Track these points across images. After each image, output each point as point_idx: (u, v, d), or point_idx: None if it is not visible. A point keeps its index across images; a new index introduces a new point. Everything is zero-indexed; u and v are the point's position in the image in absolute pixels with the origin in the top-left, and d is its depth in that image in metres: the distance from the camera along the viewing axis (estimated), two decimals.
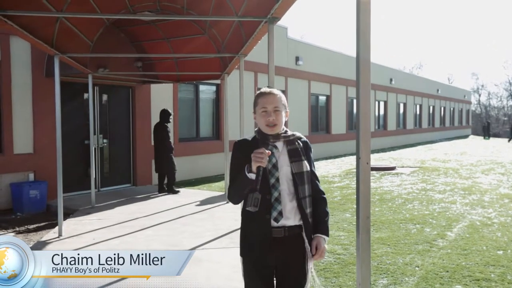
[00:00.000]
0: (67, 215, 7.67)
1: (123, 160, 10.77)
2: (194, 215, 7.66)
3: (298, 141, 2.46)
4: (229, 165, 2.46)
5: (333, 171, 13.75)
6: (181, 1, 6.82)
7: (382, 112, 26.24)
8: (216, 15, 6.85)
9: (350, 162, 16.89)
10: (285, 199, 2.32)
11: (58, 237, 6.12)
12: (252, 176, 2.22)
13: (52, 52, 5.91)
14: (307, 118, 18.18)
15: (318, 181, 2.50)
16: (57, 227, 6.39)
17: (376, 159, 17.85)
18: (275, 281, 2.44)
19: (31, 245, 5.94)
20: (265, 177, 2.29)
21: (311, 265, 2.41)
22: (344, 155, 20.09)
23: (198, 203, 8.75)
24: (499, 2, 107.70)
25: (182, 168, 12.04)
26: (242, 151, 2.36)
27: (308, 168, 2.41)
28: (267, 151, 2.23)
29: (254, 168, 2.21)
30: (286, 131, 2.45)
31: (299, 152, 2.41)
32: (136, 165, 10.89)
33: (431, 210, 7.66)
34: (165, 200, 9.04)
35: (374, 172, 12.96)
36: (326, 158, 18.43)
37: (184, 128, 12.35)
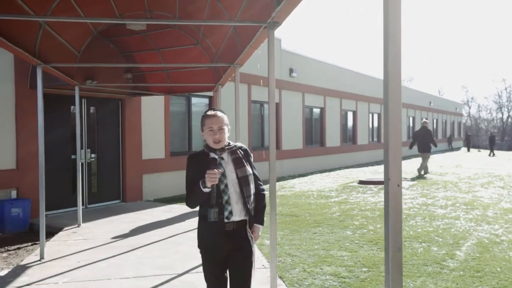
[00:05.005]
0: (51, 235, 7.24)
1: (112, 176, 10.33)
2: (187, 234, 7.23)
3: (239, 150, 3.00)
4: (186, 177, 2.96)
5: (329, 185, 13.39)
6: (173, 11, 6.50)
7: (376, 124, 26.06)
8: (211, 25, 6.56)
9: (345, 175, 16.56)
10: (233, 200, 2.87)
11: (39, 260, 5.66)
12: (206, 190, 2.77)
13: (34, 61, 5.52)
14: (301, 131, 17.87)
15: (260, 181, 3.08)
16: (39, 249, 5.93)
17: (372, 172, 17.55)
18: (228, 266, 2.99)
19: (10, 269, 5.48)
20: (216, 185, 2.80)
21: (254, 247, 3.03)
22: (339, 168, 19.78)
23: (190, 220, 8.32)
24: (487, 16, 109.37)
25: (174, 183, 11.64)
26: (194, 164, 2.94)
27: (251, 172, 2.97)
28: (217, 170, 2.75)
29: (208, 185, 2.74)
30: (229, 143, 2.99)
31: (241, 159, 2.96)
32: (125, 180, 10.45)
33: (435, 227, 7.32)
34: (156, 217, 8.61)
35: (372, 186, 12.62)
36: (321, 172, 18.08)
37: (175, 141, 11.96)
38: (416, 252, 5.83)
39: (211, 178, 2.72)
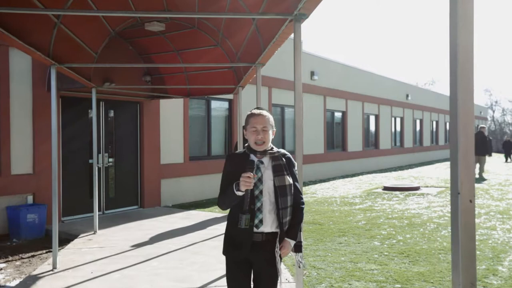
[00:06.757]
0: (67, 241, 7.02)
1: (130, 181, 10.11)
2: (206, 242, 6.92)
3: (283, 158, 2.78)
4: (221, 176, 2.77)
5: (352, 191, 12.93)
6: (192, 10, 6.22)
7: (398, 128, 25.39)
8: (231, 24, 6.25)
9: (368, 181, 16.04)
10: (266, 209, 2.67)
11: (52, 270, 5.41)
12: (239, 193, 2.60)
13: (48, 61, 5.29)
14: (322, 135, 17.43)
15: (301, 194, 2.83)
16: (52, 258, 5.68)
17: (396, 178, 16.99)
18: (252, 275, 2.80)
19: (21, 279, 5.24)
20: (251, 190, 2.64)
21: (280, 265, 2.76)
22: (361, 173, 19.24)
23: (210, 227, 8.01)
24: (510, 19, 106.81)
25: (193, 189, 11.37)
26: (233, 164, 2.74)
27: (291, 182, 2.73)
28: (253, 174, 2.58)
29: (242, 189, 2.57)
30: (272, 148, 2.79)
31: (282, 167, 2.73)
32: (143, 185, 10.21)
33: None
34: (174, 224, 8.32)
35: (397, 192, 12.12)
36: (343, 177, 17.59)
37: (195, 146, 11.69)
38: None
39: (245, 183, 2.55)
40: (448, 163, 26.92)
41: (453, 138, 1.39)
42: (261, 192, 2.68)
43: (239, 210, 2.65)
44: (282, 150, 2.84)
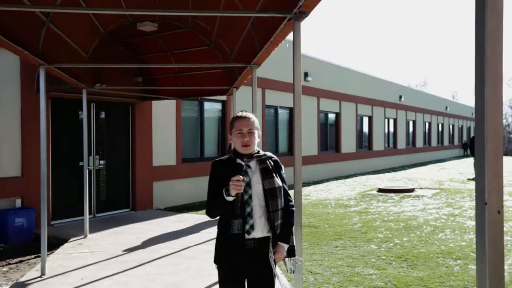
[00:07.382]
0: (56, 246, 6.82)
1: (121, 183, 9.92)
2: (200, 246, 6.77)
3: (269, 160, 2.74)
4: (208, 183, 2.71)
5: (347, 193, 12.84)
6: (186, 9, 6.07)
7: (392, 129, 25.40)
8: (225, 23, 6.12)
9: (362, 182, 15.98)
10: (256, 214, 2.61)
11: (40, 276, 5.23)
12: (230, 198, 2.51)
13: (37, 61, 5.12)
14: (316, 137, 17.34)
15: (290, 197, 2.77)
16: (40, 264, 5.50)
17: (389, 179, 16.94)
18: (246, 284, 2.70)
19: (8, 286, 5.05)
20: (241, 194, 2.56)
21: (275, 270, 2.67)
22: (355, 175, 19.18)
23: (203, 231, 7.86)
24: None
25: (185, 191, 11.21)
26: (219, 171, 2.67)
27: (280, 184, 2.68)
28: (242, 178, 2.49)
29: (233, 193, 2.49)
30: (258, 151, 2.73)
31: (270, 170, 2.68)
32: (135, 188, 10.03)
33: (468, 241, 6.75)
34: (167, 228, 8.16)
35: (392, 194, 12.04)
36: (337, 179, 17.51)
37: (187, 148, 11.53)
38: (453, 271, 5.28)
39: (235, 186, 2.47)
40: (441, 164, 27.00)
41: (480, 144, 1.27)
42: (250, 196, 2.61)
43: (230, 216, 2.58)
44: (269, 153, 2.81)
